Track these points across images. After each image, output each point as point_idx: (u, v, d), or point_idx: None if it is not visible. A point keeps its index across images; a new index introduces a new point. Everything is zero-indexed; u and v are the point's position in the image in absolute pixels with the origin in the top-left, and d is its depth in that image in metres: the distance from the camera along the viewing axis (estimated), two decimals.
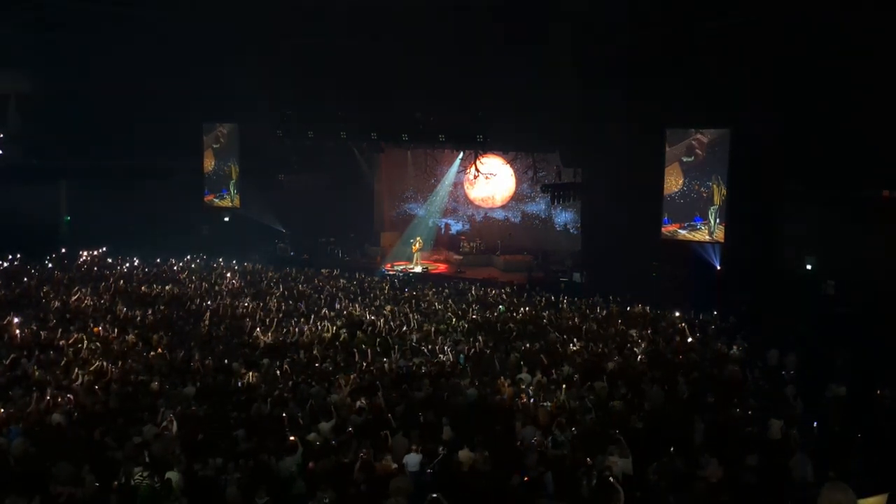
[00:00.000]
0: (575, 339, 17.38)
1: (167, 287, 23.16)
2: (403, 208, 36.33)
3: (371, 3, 27.50)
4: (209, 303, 21.10)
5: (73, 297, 20.49)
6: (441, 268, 32.07)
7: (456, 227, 35.22)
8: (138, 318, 18.92)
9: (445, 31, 26.52)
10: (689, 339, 17.78)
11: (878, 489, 4.66)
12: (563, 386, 13.43)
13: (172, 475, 9.33)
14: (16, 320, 17.56)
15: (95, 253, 29.02)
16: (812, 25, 21.11)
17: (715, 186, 24.08)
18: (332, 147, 32.07)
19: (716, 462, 9.88)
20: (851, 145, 20.49)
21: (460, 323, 19.18)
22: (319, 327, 18.16)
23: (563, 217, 32.95)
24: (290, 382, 13.77)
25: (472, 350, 16.27)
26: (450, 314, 20.18)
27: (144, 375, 13.97)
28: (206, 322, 18.66)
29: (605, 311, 21.02)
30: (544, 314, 20.52)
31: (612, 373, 14.63)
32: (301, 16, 28.53)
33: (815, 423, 12.10)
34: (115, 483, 9.31)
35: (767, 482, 9.81)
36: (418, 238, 32.19)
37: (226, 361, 15.18)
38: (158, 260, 28.45)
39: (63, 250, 28.92)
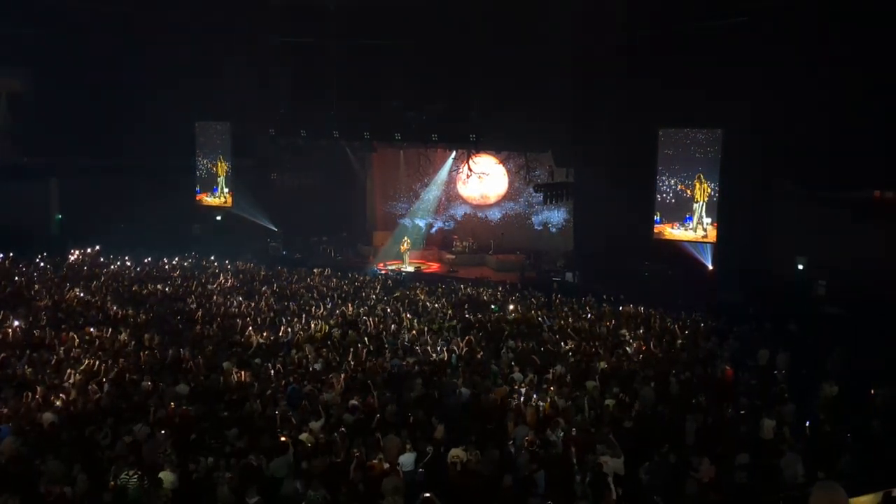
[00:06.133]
0: (567, 339, 17.40)
1: (159, 286, 23.05)
2: (396, 207, 36.29)
3: (364, 1, 27.49)
4: (201, 302, 21.02)
5: (65, 296, 20.38)
6: (434, 267, 32.06)
7: (439, 225, 35.10)
8: (130, 318, 18.83)
9: (438, 30, 26.50)
10: (681, 339, 17.82)
11: (869, 489, 4.68)
12: (555, 385, 13.45)
13: (164, 475, 9.29)
14: (6, 319, 17.44)
15: (87, 251, 28.88)
16: (803, 26, 21.19)
17: (706, 185, 24.19)
18: (325, 146, 32.04)
19: (707, 461, 9.90)
20: (843, 145, 20.57)
21: (453, 322, 19.16)
22: (311, 326, 18.12)
23: (544, 216, 32.84)
24: (283, 382, 13.73)
25: (465, 349, 16.26)
26: (442, 313, 20.15)
27: (136, 374, 13.91)
28: (198, 321, 18.59)
29: (596, 311, 21.05)
30: (537, 312, 20.53)
31: (604, 372, 14.66)
32: (294, 15, 28.50)
33: (806, 423, 12.14)
34: (107, 482, 9.26)
35: (759, 482, 9.84)
36: (406, 238, 32.17)
37: (218, 361, 15.11)
38: (150, 259, 28.33)
39: (54, 249, 28.74)
